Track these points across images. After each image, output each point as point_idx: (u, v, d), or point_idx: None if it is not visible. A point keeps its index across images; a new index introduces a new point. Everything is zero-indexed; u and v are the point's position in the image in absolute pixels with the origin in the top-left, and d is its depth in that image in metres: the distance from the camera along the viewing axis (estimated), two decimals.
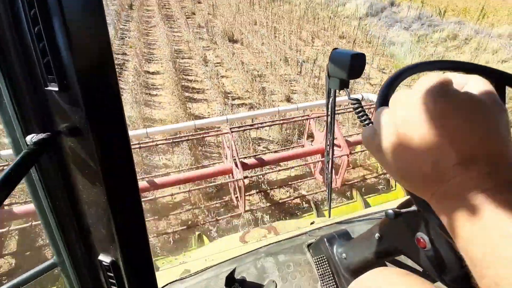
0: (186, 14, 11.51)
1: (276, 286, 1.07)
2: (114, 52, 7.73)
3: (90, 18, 0.34)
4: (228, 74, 6.86)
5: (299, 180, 3.64)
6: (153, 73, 6.67)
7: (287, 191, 3.58)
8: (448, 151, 0.26)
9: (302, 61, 7.45)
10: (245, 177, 2.61)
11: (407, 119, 0.29)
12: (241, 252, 1.22)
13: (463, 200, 0.25)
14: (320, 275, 1.07)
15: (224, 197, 3.35)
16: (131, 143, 2.54)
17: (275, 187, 3.54)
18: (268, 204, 3.31)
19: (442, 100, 0.28)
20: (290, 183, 3.58)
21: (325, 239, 1.09)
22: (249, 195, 3.36)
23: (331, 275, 1.06)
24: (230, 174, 3.00)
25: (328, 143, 1.15)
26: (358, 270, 0.91)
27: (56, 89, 0.35)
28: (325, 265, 1.08)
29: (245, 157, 3.41)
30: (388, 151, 0.31)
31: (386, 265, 0.98)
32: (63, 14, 0.32)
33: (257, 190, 3.47)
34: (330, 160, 1.21)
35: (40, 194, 0.44)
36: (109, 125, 0.40)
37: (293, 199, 3.42)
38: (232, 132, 2.92)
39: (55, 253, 0.49)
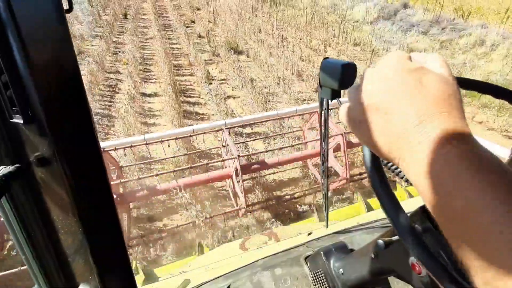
0: (185, 22, 10.65)
1: None
2: (105, 71, 6.89)
3: (55, 46, 0.34)
4: (235, 94, 5.99)
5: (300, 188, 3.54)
6: (150, 95, 5.80)
7: (286, 194, 3.51)
8: (408, 114, 0.29)
9: (318, 74, 6.57)
10: (244, 180, 2.70)
11: (374, 91, 0.33)
12: (241, 260, 1.18)
13: (429, 157, 0.26)
14: None
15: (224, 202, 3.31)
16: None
17: (275, 190, 3.45)
18: (267, 204, 3.25)
19: (400, 70, 0.32)
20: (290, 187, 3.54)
21: (322, 253, 1.03)
22: (252, 204, 3.21)
23: None
24: (230, 179, 3.00)
25: (323, 152, 1.02)
26: (358, 287, 0.87)
27: (21, 121, 0.35)
28: (322, 280, 1.00)
29: (244, 155, 3.27)
30: (362, 123, 0.33)
31: (386, 282, 0.95)
32: (24, 44, 0.31)
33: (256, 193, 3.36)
34: (326, 168, 1.09)
35: (13, 224, 0.43)
36: (79, 154, 0.39)
37: (294, 202, 3.32)
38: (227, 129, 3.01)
39: (35, 281, 0.47)
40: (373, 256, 0.73)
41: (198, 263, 1.52)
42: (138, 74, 6.53)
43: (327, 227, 1.36)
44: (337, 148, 3.18)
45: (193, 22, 10.88)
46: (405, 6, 11.04)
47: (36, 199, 0.42)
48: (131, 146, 2.93)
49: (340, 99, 0.55)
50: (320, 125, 1.01)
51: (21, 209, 0.42)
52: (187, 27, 10.24)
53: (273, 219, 3.10)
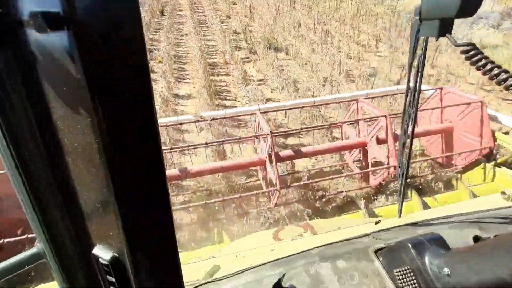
0: (221, 18, 10.18)
1: None
2: None
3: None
4: (275, 97, 5.36)
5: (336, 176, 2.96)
6: (183, 97, 5.38)
7: (324, 187, 3.18)
8: None
9: (369, 75, 5.71)
10: (282, 175, 2.56)
11: None
12: (275, 252, 1.02)
13: None
14: None
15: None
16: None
17: (311, 181, 2.95)
18: (302, 199, 2.93)
19: None
20: (326, 178, 2.98)
21: (409, 245, 0.83)
22: (284, 187, 2.74)
23: None
24: (263, 166, 2.83)
25: (407, 119, 0.92)
26: None
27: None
28: (412, 281, 0.79)
29: (277, 133, 3.17)
30: None
31: None
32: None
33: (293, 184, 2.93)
34: (409, 142, 0.98)
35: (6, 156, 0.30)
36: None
37: (332, 195, 2.94)
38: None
39: (38, 239, 0.34)
40: None
41: (228, 250, 1.38)
42: (172, 73, 6.16)
43: (400, 215, 1.15)
44: (381, 141, 2.84)
45: (229, 17, 10.37)
46: None
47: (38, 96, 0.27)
48: (166, 126, 3.22)
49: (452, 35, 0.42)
50: (408, 79, 0.83)
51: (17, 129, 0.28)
52: (222, 22, 9.76)
53: (308, 214, 2.79)
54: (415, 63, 0.79)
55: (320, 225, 1.56)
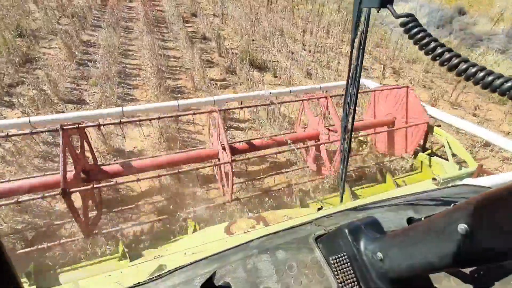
0: (185, 16, 7.98)
1: None
2: (59, 99, 4.26)
3: None
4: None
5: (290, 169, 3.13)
6: (129, 156, 3.33)
7: (275, 179, 3.12)
8: None
9: None
10: (233, 161, 2.33)
11: None
12: (226, 246, 0.90)
13: None
14: (340, 282, 0.75)
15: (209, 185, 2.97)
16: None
17: (264, 175, 3.08)
18: (255, 193, 2.79)
19: None
20: (279, 171, 3.13)
21: (346, 230, 0.77)
22: (237, 183, 2.85)
23: (355, 283, 0.74)
24: (217, 159, 2.71)
25: (349, 99, 0.89)
26: (404, 280, 0.66)
27: None
28: (347, 268, 0.75)
29: (233, 142, 2.89)
30: None
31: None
32: None
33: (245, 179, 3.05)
34: (350, 125, 0.96)
35: None
36: None
37: (282, 188, 2.92)
38: (220, 111, 2.55)
39: None
40: (463, 229, 0.49)
41: (176, 247, 1.29)
42: (115, 103, 4.03)
43: (342, 201, 1.17)
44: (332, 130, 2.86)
45: (194, 15, 8.21)
46: (461, 12, 8.73)
47: None
48: (99, 125, 2.30)
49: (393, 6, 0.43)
50: (351, 54, 0.83)
51: None
52: (186, 22, 7.61)
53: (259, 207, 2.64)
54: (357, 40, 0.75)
55: (272, 217, 1.52)
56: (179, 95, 4.57)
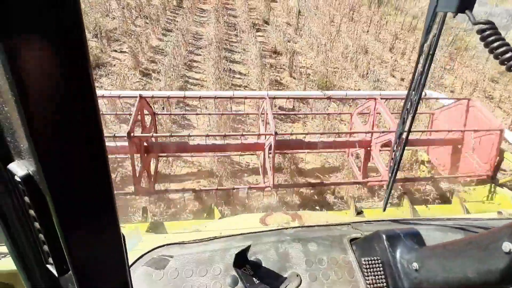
0: (256, 22, 7.33)
1: (300, 283, 0.79)
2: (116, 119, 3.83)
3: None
4: None
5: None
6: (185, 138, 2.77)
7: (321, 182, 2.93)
8: None
9: None
10: (277, 148, 2.40)
11: None
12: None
13: None
14: (369, 284, 0.76)
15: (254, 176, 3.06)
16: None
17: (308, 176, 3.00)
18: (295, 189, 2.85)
19: None
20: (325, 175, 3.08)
21: (383, 236, 0.78)
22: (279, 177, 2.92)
23: (385, 287, 0.74)
24: (262, 152, 2.77)
25: (409, 105, 0.85)
26: None
27: (55, 273, 0.33)
28: (378, 272, 0.77)
29: (282, 134, 2.88)
30: None
31: None
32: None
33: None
34: (406, 133, 0.91)
35: None
36: None
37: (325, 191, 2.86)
38: (270, 98, 2.69)
39: None
40: (508, 248, 0.48)
41: (213, 227, 1.40)
42: (166, 134, 3.53)
43: (384, 210, 1.14)
44: (385, 144, 2.63)
45: (267, 23, 7.50)
46: None
47: None
48: (168, 97, 3.00)
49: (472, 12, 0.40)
50: (417, 61, 0.79)
51: None
52: (257, 30, 6.94)
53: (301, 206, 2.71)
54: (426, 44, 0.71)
55: (308, 217, 1.46)
56: (239, 125, 3.90)
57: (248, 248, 0.81)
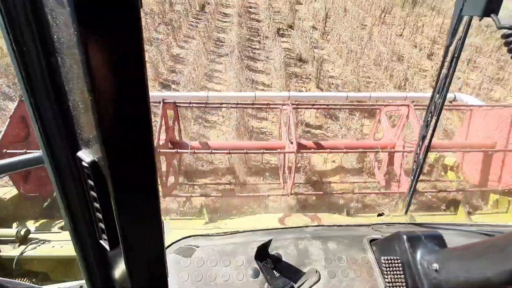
0: (280, 27, 6.97)
1: (319, 279, 0.81)
2: None
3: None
4: None
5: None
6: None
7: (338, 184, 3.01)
8: None
9: None
10: (298, 152, 2.40)
11: None
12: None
13: None
14: (388, 282, 0.76)
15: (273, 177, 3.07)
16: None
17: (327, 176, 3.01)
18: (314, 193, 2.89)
19: None
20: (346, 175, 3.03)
21: (404, 237, 0.79)
22: (298, 183, 2.87)
23: (404, 287, 0.75)
24: (282, 153, 2.81)
25: (433, 108, 0.84)
26: None
27: (107, 247, 0.38)
28: (398, 271, 0.78)
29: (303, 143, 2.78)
30: None
31: None
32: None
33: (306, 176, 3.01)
34: (430, 136, 0.91)
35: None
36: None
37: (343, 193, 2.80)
38: (293, 108, 2.68)
39: (40, 145, 0.38)
40: None
41: (233, 224, 1.42)
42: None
43: (406, 212, 1.18)
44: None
45: (291, 27, 7.12)
46: None
47: None
48: (190, 103, 2.87)
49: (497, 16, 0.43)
50: (443, 63, 0.81)
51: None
52: (281, 35, 6.59)
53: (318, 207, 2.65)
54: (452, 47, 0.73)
55: (327, 219, 1.48)
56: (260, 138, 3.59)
57: (269, 242, 0.84)
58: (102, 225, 0.37)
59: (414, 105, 2.59)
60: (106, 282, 0.45)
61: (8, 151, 2.26)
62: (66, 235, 1.90)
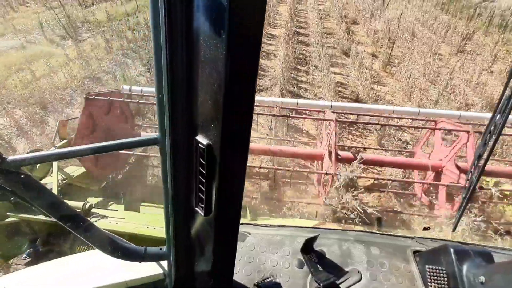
0: (333, 55, 5.95)
1: (360, 279, 0.85)
2: None
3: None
4: None
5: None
6: None
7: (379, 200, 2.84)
8: None
9: None
10: (335, 174, 2.38)
11: None
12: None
13: None
14: None
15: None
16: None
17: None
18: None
19: None
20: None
21: (451, 249, 0.81)
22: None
23: None
24: (320, 162, 2.83)
25: (492, 128, 0.85)
26: None
27: (202, 213, 0.49)
28: (442, 282, 0.78)
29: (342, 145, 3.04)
30: None
31: None
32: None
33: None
34: (487, 155, 0.91)
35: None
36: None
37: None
38: (337, 120, 2.60)
39: (159, 128, 0.49)
40: None
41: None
42: None
43: (454, 230, 1.19)
44: (461, 170, 2.48)
45: (346, 54, 6.05)
46: None
47: None
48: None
49: None
50: (506, 86, 0.82)
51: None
52: (334, 65, 5.57)
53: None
54: None
55: (365, 230, 1.48)
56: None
57: (316, 237, 0.92)
58: (201, 195, 0.47)
59: (474, 131, 2.43)
60: (188, 241, 0.57)
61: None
62: (122, 213, 2.21)
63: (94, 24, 6.92)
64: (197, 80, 0.40)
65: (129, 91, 3.32)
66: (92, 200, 2.45)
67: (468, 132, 2.42)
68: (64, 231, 2.12)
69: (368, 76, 4.92)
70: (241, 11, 0.32)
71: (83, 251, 1.96)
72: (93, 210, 2.15)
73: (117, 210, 2.28)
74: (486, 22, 7.35)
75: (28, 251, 2.28)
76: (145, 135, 2.98)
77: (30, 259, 2.24)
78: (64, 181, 2.60)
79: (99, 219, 2.11)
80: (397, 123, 3.58)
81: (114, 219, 2.10)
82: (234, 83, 0.37)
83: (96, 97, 2.69)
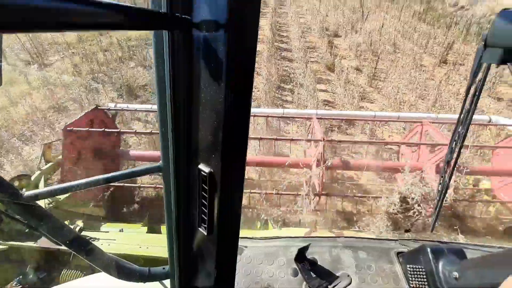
0: (317, 71, 5.75)
1: (350, 282, 0.92)
2: None
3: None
4: None
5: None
6: None
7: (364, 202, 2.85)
8: None
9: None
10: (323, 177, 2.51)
11: None
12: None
13: None
14: None
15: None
16: None
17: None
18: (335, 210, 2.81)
19: None
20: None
21: (428, 249, 0.88)
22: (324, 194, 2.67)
23: None
24: (309, 169, 2.83)
25: (456, 137, 0.91)
26: None
27: (205, 233, 0.50)
28: (421, 279, 0.86)
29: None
30: None
31: None
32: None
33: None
34: (453, 160, 0.96)
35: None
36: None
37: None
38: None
39: (162, 158, 0.51)
40: None
41: (267, 234, 1.57)
42: None
43: (432, 230, 1.23)
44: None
45: (331, 69, 5.88)
46: None
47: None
48: None
49: None
50: (464, 100, 0.85)
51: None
52: (318, 81, 5.36)
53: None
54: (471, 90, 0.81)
55: (352, 236, 1.55)
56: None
57: (308, 246, 0.97)
58: (204, 216, 0.49)
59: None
60: (190, 259, 0.58)
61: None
62: (113, 235, 2.14)
63: (62, 46, 6.47)
64: (198, 118, 0.43)
65: (114, 108, 3.42)
66: (81, 223, 2.39)
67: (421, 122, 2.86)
68: (54, 258, 2.13)
69: (355, 94, 4.72)
70: (236, 52, 0.36)
71: (75, 277, 2.03)
72: (83, 233, 2.11)
73: (108, 232, 2.25)
74: (464, 31, 7.43)
75: (18, 278, 2.23)
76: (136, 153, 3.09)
77: (21, 286, 2.21)
78: (51, 205, 2.54)
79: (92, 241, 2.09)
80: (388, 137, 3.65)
81: (105, 240, 2.07)
82: (231, 120, 0.40)
83: (74, 129, 2.70)
